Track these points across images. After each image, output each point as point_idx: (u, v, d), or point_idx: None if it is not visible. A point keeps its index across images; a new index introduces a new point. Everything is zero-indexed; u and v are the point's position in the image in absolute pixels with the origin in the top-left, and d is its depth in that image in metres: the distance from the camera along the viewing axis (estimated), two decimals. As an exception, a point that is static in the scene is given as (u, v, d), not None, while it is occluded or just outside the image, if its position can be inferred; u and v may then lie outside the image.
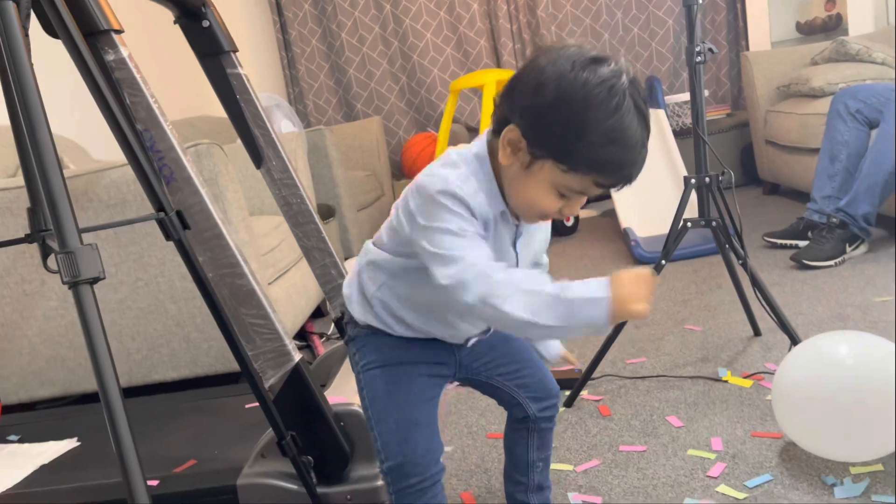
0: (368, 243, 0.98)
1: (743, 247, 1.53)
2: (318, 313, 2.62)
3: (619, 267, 2.67)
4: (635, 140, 0.78)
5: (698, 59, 1.46)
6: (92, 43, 1.14)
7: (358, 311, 0.97)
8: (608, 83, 0.77)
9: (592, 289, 0.75)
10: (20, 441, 1.69)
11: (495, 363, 1.03)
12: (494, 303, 0.77)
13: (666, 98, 3.51)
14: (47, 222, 0.88)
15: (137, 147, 1.09)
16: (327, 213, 2.99)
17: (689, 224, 1.54)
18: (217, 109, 1.67)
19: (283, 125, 2.85)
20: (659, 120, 3.35)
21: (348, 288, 0.99)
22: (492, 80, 3.19)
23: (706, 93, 3.89)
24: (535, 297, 0.76)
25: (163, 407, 1.79)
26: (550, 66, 0.79)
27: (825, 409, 1.14)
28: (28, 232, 0.89)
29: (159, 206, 1.01)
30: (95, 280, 0.72)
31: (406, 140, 4.42)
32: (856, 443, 1.14)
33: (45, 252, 0.90)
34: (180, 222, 1.03)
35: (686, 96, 3.89)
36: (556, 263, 2.98)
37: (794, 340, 1.49)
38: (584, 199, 0.86)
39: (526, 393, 1.05)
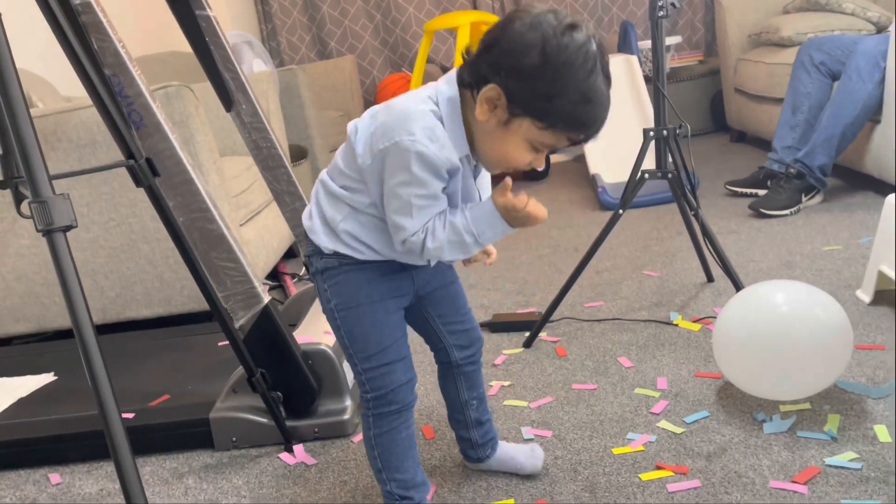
0: (324, 174, 1.01)
1: (696, 198, 1.59)
2: (291, 254, 2.67)
3: (585, 214, 2.72)
4: (604, 99, 0.88)
5: (661, 13, 1.49)
6: (57, -13, 1.15)
7: (325, 240, 1.00)
8: (584, 48, 0.85)
9: (494, 223, 0.92)
10: (-3, 375, 1.74)
11: (438, 301, 1.10)
12: (436, 255, 0.95)
13: (640, 43, 3.51)
14: (19, 169, 0.91)
15: (105, 94, 1.11)
16: (299, 154, 3.00)
17: (646, 175, 1.60)
18: (188, 45, 1.67)
19: (255, 64, 2.82)
20: (631, 66, 3.37)
21: (309, 220, 1.02)
22: (467, 22, 3.17)
23: (679, 38, 3.90)
24: (460, 244, 0.93)
25: (137, 343, 1.85)
26: (532, 32, 0.85)
27: (759, 352, 1.23)
28: (1, 178, 0.92)
29: (129, 154, 1.04)
30: (68, 228, 0.77)
31: (380, 80, 4.39)
32: (786, 383, 1.23)
33: (19, 198, 0.94)
34: (150, 169, 1.06)
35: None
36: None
37: (738, 287, 1.57)
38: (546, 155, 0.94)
39: (453, 339, 1.12)
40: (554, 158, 3.79)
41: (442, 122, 0.91)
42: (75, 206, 1.00)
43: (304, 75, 3.20)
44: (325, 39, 4.40)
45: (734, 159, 3.32)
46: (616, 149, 3.18)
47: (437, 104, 0.91)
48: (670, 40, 3.71)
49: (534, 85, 0.85)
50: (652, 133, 1.60)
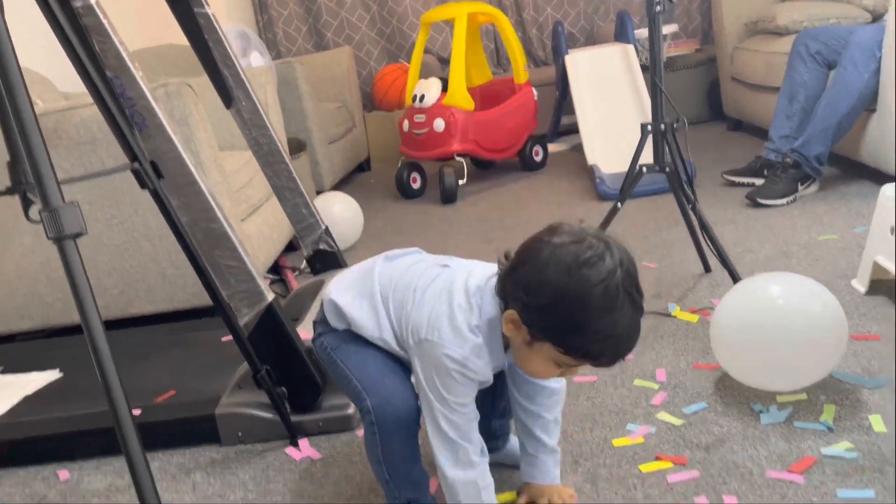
0: (375, 287, 1.03)
1: (693, 191, 1.61)
2: (291, 247, 2.68)
3: (584, 203, 2.73)
4: (630, 332, 0.87)
5: (657, 8, 1.50)
6: (59, -10, 1.16)
7: (335, 321, 1.06)
8: (604, 283, 0.83)
9: None
10: (3, 372, 1.76)
11: None
12: (441, 475, 0.99)
13: (636, 32, 3.51)
14: (27, 176, 0.92)
15: (108, 95, 1.13)
16: (298, 147, 3.01)
17: (644, 169, 1.62)
18: (185, 38, 1.67)
19: (253, 58, 2.83)
20: (628, 55, 3.37)
21: (334, 302, 1.06)
22: (463, 13, 3.17)
23: (676, 27, 3.91)
24: (453, 497, 0.99)
25: (141, 340, 1.87)
26: (549, 268, 0.85)
27: (756, 344, 1.25)
28: (9, 185, 0.94)
29: (133, 156, 1.05)
30: (78, 235, 0.78)
31: (377, 71, 4.39)
32: (782, 374, 1.26)
33: (27, 204, 0.95)
34: (154, 172, 1.07)
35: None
36: (525, 198, 3.06)
37: (735, 279, 1.59)
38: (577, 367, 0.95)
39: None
40: (552, 148, 3.80)
41: (486, 344, 0.95)
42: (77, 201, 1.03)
43: (302, 68, 3.21)
44: (321, 30, 4.40)
45: (731, 148, 3.33)
46: (614, 138, 3.20)
47: (479, 329, 0.94)
48: (667, 29, 3.71)
49: (548, 321, 0.87)
50: (649, 127, 1.61)
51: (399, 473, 1.04)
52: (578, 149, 3.59)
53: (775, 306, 1.26)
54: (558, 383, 1.08)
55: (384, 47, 4.45)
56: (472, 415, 0.98)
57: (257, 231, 2.17)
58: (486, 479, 1.00)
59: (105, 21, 1.19)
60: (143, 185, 1.07)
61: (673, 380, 1.43)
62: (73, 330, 1.98)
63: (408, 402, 1.01)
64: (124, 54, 1.22)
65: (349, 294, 1.05)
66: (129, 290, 1.96)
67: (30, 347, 1.98)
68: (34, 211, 0.81)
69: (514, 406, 1.09)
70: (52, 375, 1.71)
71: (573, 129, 3.50)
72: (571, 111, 3.40)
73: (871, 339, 1.46)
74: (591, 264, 0.83)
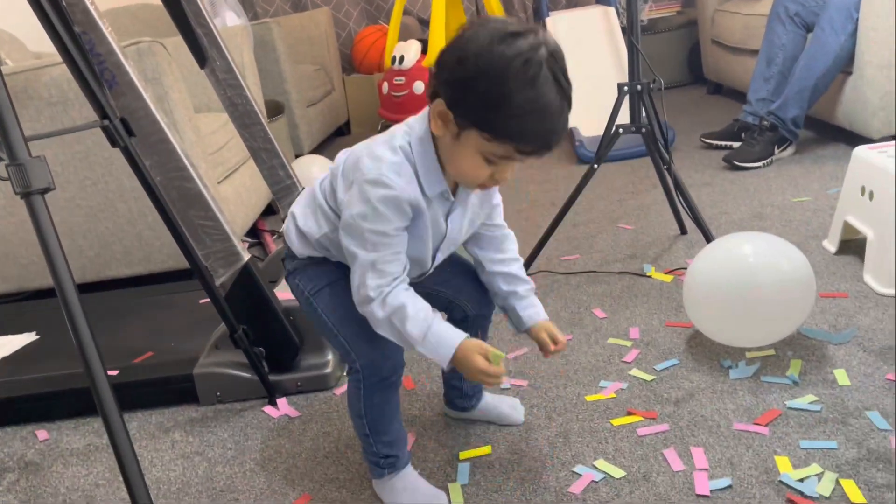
0: (317, 185, 1.02)
1: (669, 152, 1.62)
2: (270, 211, 2.67)
3: (563, 167, 2.73)
4: (552, 110, 0.83)
5: (635, -33, 1.49)
6: (23, -59, 1.13)
7: (297, 246, 1.03)
8: (524, 56, 0.82)
9: (440, 352, 0.94)
10: (-21, 335, 1.75)
11: (432, 278, 1.09)
12: (372, 320, 0.96)
13: (618, -6, 3.49)
14: (-6, 132, 0.91)
15: (76, 52, 1.11)
16: (276, 109, 2.97)
17: (620, 130, 1.62)
18: None
19: (228, 17, 2.78)
20: (608, 17, 3.35)
21: (289, 222, 1.04)
22: (442, -27, 3.12)
23: (658, -11, 3.88)
24: (398, 337, 0.95)
25: (119, 302, 1.86)
26: (472, 42, 0.84)
27: (726, 301, 1.27)
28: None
29: (103, 114, 1.04)
30: (46, 190, 0.77)
31: (356, 32, 4.33)
32: (751, 331, 1.28)
33: (-6, 160, 0.94)
34: (125, 129, 1.06)
35: (638, -8, 3.87)
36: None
37: (709, 239, 1.61)
38: (514, 166, 0.91)
39: (463, 296, 1.13)
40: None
41: (415, 165, 0.92)
42: (50, 167, 1.00)
43: (279, 29, 3.15)
44: (299, -9, 4.31)
45: (710, 111, 3.34)
46: (594, 102, 3.18)
47: (410, 145, 0.92)
48: (648, -9, 3.69)
49: (470, 96, 0.84)
50: (626, 88, 1.61)
51: (379, 428, 1.06)
52: (559, 112, 3.58)
53: (746, 264, 1.28)
54: (508, 229, 1.11)
55: (363, 8, 4.38)
56: (398, 264, 0.94)
57: (235, 194, 2.16)
58: (417, 305, 0.95)
59: (72, -25, 1.16)
60: (113, 143, 1.06)
61: (646, 337, 1.45)
62: (49, 292, 1.97)
63: (394, 360, 1.03)
64: (92, 9, 1.19)
65: (298, 208, 1.04)
66: (104, 253, 1.95)
67: (6, 310, 1.97)
68: (1, 168, 0.80)
69: (490, 278, 1.10)
70: (29, 338, 1.70)
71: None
72: (552, 74, 3.38)
73: (838, 296, 1.49)
74: (512, 37, 0.82)
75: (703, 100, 3.64)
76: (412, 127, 0.94)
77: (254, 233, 2.49)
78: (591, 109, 3.19)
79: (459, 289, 1.13)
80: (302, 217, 1.02)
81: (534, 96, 0.82)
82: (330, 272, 1.03)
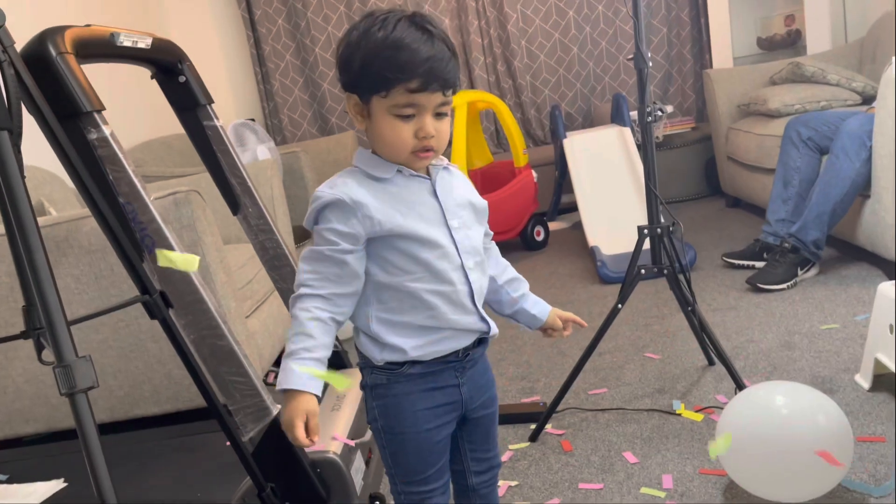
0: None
1: (692, 292, 1.63)
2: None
3: (586, 288, 2.74)
4: (412, 41, 0.91)
5: (649, 118, 1.55)
6: (74, 123, 1.21)
7: (372, 350, 1.01)
8: (381, 17, 0.93)
9: (284, 383, 0.94)
10: (8, 481, 1.75)
11: (474, 427, 1.09)
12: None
13: (631, 113, 3.61)
14: (41, 321, 0.95)
15: (117, 226, 1.16)
16: (302, 235, 3.05)
17: (643, 271, 1.64)
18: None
19: (260, 151, 2.90)
20: (624, 137, 3.45)
21: (354, 333, 1.05)
22: (464, 102, 3.26)
23: (671, 108, 4.01)
24: (287, 345, 0.96)
25: (145, 443, 1.86)
26: (346, 33, 0.96)
27: (763, 455, 1.25)
28: (23, 329, 0.96)
29: (143, 288, 1.08)
30: (90, 388, 0.80)
31: (380, 152, 4.49)
32: (790, 486, 1.25)
33: (40, 347, 0.98)
34: (164, 302, 1.10)
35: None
36: (527, 280, 3.07)
37: (740, 386, 1.60)
38: (430, 119, 0.94)
39: (474, 466, 1.13)
40: (553, 226, 3.85)
41: (360, 170, 0.98)
42: (85, 310, 1.05)
43: (306, 157, 3.29)
44: (326, 115, 4.51)
45: (730, 226, 3.38)
46: (614, 218, 3.25)
47: (352, 166, 1.00)
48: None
49: (354, 68, 0.93)
50: (646, 231, 1.65)
51: None
52: (579, 226, 3.64)
53: (780, 416, 1.26)
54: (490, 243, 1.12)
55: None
56: (343, 268, 0.95)
57: (262, 327, 2.19)
58: (314, 340, 0.95)
59: (119, 152, 1.23)
60: (152, 315, 1.09)
61: (679, 487, 1.42)
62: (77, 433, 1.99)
63: None
64: (136, 181, 1.26)
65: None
66: (133, 392, 1.97)
67: (34, 452, 1.97)
68: (48, 355, 0.83)
69: (499, 290, 1.13)
70: (56, 486, 1.70)
71: (573, 207, 3.55)
72: (571, 189, 3.46)
73: (876, 440, 1.46)
74: (375, 12, 0.94)
75: (723, 213, 3.68)
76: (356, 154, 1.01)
77: (278, 363, 2.50)
78: (612, 226, 3.25)
79: (478, 458, 1.12)
80: (356, 312, 1.02)
81: (396, 37, 0.90)
82: (407, 416, 1.01)
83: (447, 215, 0.99)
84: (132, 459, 1.77)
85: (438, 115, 0.95)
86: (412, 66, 0.90)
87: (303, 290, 0.96)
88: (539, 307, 1.16)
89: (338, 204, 0.94)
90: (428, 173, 1.00)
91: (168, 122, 3.66)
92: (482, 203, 1.07)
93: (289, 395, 0.94)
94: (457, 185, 1.03)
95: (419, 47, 0.91)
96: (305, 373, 0.93)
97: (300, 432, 0.93)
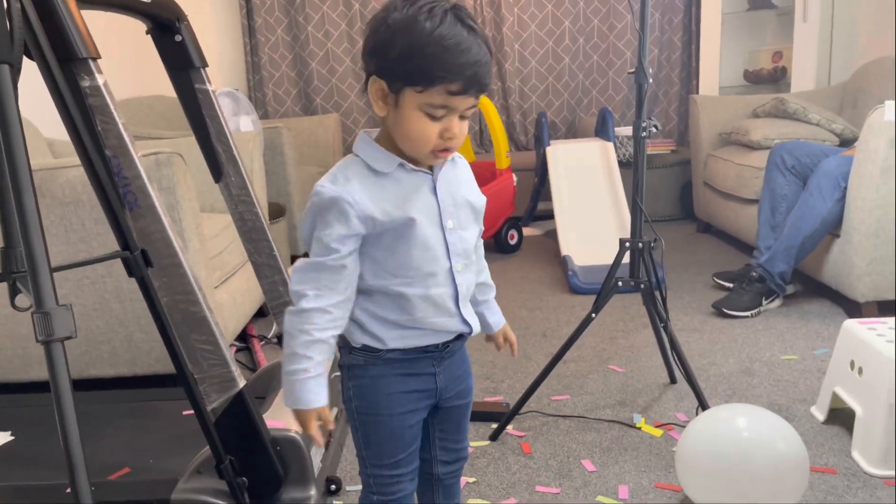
0: None
1: (666, 309, 1.65)
2: (260, 313, 2.66)
3: (556, 296, 2.75)
4: (461, 41, 0.88)
5: (644, 133, 1.57)
6: (68, 68, 1.17)
7: (352, 333, 1.01)
8: (427, 7, 0.89)
9: (290, 399, 0.96)
10: (-49, 430, 1.70)
11: (447, 417, 1.10)
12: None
13: (616, 129, 3.64)
14: (19, 264, 0.92)
15: (105, 178, 1.13)
16: (277, 212, 3.01)
17: (619, 283, 1.66)
18: (173, 90, 1.68)
19: (243, 122, 2.86)
20: (607, 152, 3.49)
21: None
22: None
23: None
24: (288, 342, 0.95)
25: (100, 405, 1.82)
26: (381, 13, 0.92)
27: (720, 474, 1.27)
28: (-1, 270, 0.93)
29: (124, 244, 1.05)
30: (67, 338, 0.77)
31: (362, 138, 4.46)
32: (743, 506, 1.27)
33: (15, 291, 0.94)
34: (144, 260, 1.07)
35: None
36: (497, 283, 3.08)
37: (703, 405, 1.62)
38: (457, 121, 0.93)
39: (442, 455, 1.13)
40: (527, 231, 3.87)
41: (363, 161, 0.95)
42: (52, 263, 1.01)
43: (288, 133, 3.24)
44: (311, 95, 4.47)
45: (701, 250, 3.43)
46: (588, 230, 3.28)
47: (353, 155, 0.97)
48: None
49: (392, 55, 0.89)
50: (628, 244, 1.66)
51: None
52: (552, 235, 3.66)
53: (741, 438, 1.29)
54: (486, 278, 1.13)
55: (371, 117, 4.53)
56: (342, 273, 0.94)
57: (230, 299, 2.16)
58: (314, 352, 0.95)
59: (111, 103, 1.20)
60: (130, 272, 1.07)
61: (635, 498, 1.44)
62: (29, 387, 1.93)
63: (407, 497, 1.06)
64: (125, 135, 1.23)
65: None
66: (91, 351, 1.92)
67: (-19, 402, 1.92)
68: (22, 300, 0.80)
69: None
70: (3, 438, 1.65)
71: (549, 215, 3.58)
72: (548, 197, 3.49)
73: (827, 472, 1.50)
74: (416, 1, 0.90)
75: (693, 237, 3.74)
76: (356, 141, 0.99)
77: (242, 337, 2.47)
78: (586, 237, 3.28)
79: (447, 448, 1.12)
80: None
81: (440, 33, 0.87)
82: (383, 398, 1.01)
83: (443, 216, 0.99)
84: (84, 420, 1.72)
85: (462, 117, 0.94)
86: (458, 69, 0.88)
87: (303, 304, 0.94)
88: (496, 318, 1.17)
89: (339, 204, 0.92)
90: (430, 167, 1.00)
91: (150, 82, 3.57)
92: (481, 201, 1.06)
93: (298, 411, 0.96)
94: (459, 179, 1.03)
95: (467, 48, 0.88)
96: (311, 392, 0.95)
97: (317, 436, 0.95)
